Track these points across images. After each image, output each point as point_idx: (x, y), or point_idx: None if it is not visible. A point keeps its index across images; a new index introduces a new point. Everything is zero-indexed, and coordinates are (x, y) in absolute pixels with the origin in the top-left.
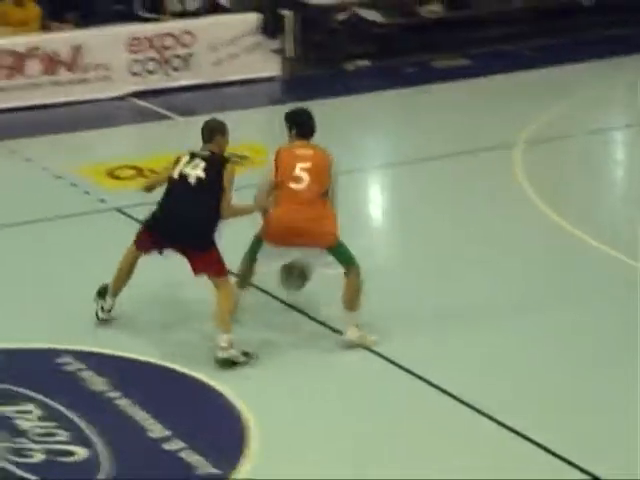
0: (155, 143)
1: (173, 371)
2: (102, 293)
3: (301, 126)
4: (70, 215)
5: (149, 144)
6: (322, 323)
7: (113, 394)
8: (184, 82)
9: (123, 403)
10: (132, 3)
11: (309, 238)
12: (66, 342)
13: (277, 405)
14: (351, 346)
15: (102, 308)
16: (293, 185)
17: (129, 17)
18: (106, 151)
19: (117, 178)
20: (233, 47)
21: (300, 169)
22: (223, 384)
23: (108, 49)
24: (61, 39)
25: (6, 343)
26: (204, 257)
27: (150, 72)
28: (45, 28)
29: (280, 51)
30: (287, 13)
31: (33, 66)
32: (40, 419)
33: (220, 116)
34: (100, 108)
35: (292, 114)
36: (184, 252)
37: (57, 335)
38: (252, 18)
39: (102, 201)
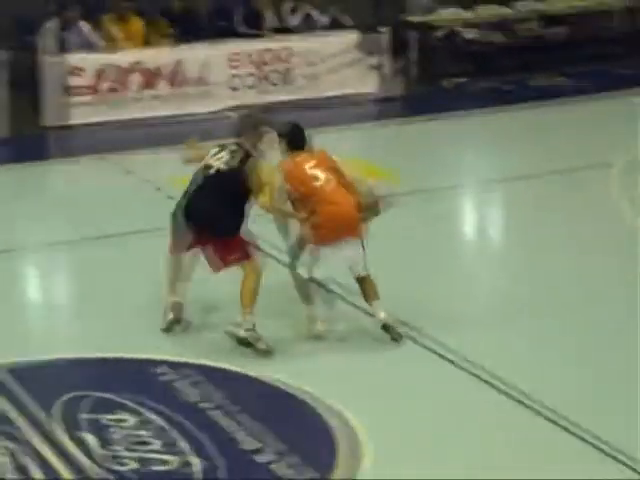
0: None
1: (262, 382)
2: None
3: (293, 139)
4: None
5: None
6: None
7: (206, 404)
8: (282, 97)
9: (215, 414)
10: (233, 20)
11: (354, 229)
12: (162, 352)
13: (367, 414)
14: (386, 326)
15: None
16: (317, 183)
17: (229, 33)
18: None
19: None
20: (331, 63)
21: (309, 168)
22: (311, 394)
23: (208, 64)
24: (164, 54)
25: (103, 352)
26: (227, 242)
27: (249, 87)
28: (147, 43)
29: (378, 68)
30: (387, 30)
31: (135, 80)
32: (135, 427)
33: (316, 132)
34: (201, 122)
35: (284, 128)
36: (205, 242)
37: (154, 345)
38: (351, 35)
39: None
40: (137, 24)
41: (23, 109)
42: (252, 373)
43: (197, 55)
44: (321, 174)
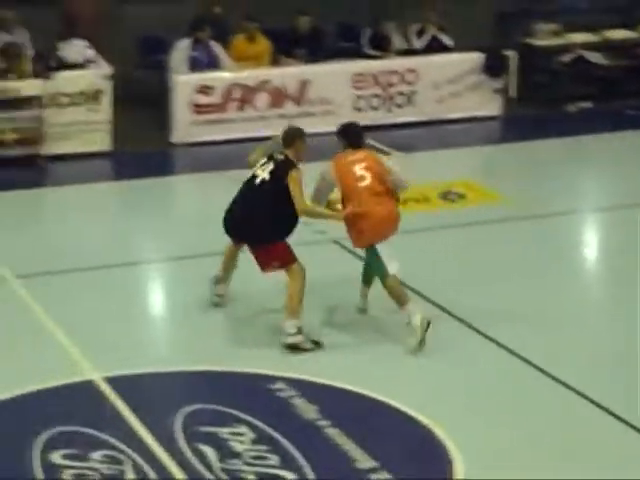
0: None
1: (379, 402)
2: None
3: (351, 138)
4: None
5: None
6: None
7: (323, 422)
8: (406, 119)
9: (332, 432)
10: (359, 41)
11: (395, 228)
12: (280, 369)
13: (478, 432)
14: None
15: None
16: (360, 184)
17: (355, 54)
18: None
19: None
20: (455, 85)
21: (359, 169)
22: (427, 416)
23: (333, 84)
24: (289, 74)
25: (224, 366)
26: (266, 249)
27: (373, 108)
28: (275, 63)
29: (502, 91)
30: (511, 53)
31: (262, 99)
32: (253, 442)
33: (439, 153)
34: (323, 142)
35: (344, 127)
36: (249, 247)
37: (273, 361)
38: (475, 57)
39: (321, 232)
40: (265, 44)
41: (151, 126)
42: (368, 393)
43: (323, 75)
44: (368, 176)
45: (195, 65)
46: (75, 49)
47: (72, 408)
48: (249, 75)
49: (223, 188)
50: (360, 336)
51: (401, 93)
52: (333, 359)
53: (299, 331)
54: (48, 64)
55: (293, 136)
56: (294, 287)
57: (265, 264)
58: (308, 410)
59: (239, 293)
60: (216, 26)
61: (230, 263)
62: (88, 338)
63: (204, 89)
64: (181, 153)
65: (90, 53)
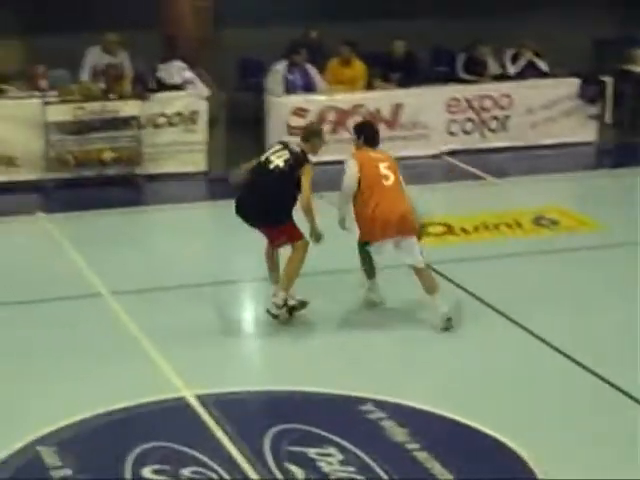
0: (466, 202)
1: (468, 426)
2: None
3: (369, 136)
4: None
5: (461, 203)
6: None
7: (412, 445)
8: (499, 144)
9: (422, 456)
10: (454, 65)
11: (408, 227)
12: (370, 391)
13: (567, 458)
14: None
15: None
16: (385, 182)
17: (450, 79)
18: (419, 208)
19: (427, 234)
20: (550, 111)
21: (384, 168)
22: (519, 443)
23: (427, 108)
24: (384, 97)
25: (314, 387)
26: (276, 229)
27: (466, 132)
28: (369, 87)
29: (598, 117)
30: (608, 79)
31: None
32: (341, 463)
33: (532, 178)
34: (417, 165)
35: (362, 125)
36: (260, 229)
37: (362, 383)
38: (571, 83)
39: None
40: (360, 68)
41: (247, 147)
42: (458, 418)
43: (417, 99)
44: (391, 176)
45: (291, 87)
46: (174, 71)
47: (164, 424)
48: (343, 98)
49: (316, 209)
50: (444, 357)
51: (495, 118)
52: (423, 382)
53: (284, 304)
54: (147, 85)
55: (312, 133)
56: (296, 259)
57: (274, 239)
58: (397, 433)
59: (329, 314)
60: (312, 50)
61: (273, 267)
62: (181, 355)
63: (299, 111)
64: None
65: (188, 75)
